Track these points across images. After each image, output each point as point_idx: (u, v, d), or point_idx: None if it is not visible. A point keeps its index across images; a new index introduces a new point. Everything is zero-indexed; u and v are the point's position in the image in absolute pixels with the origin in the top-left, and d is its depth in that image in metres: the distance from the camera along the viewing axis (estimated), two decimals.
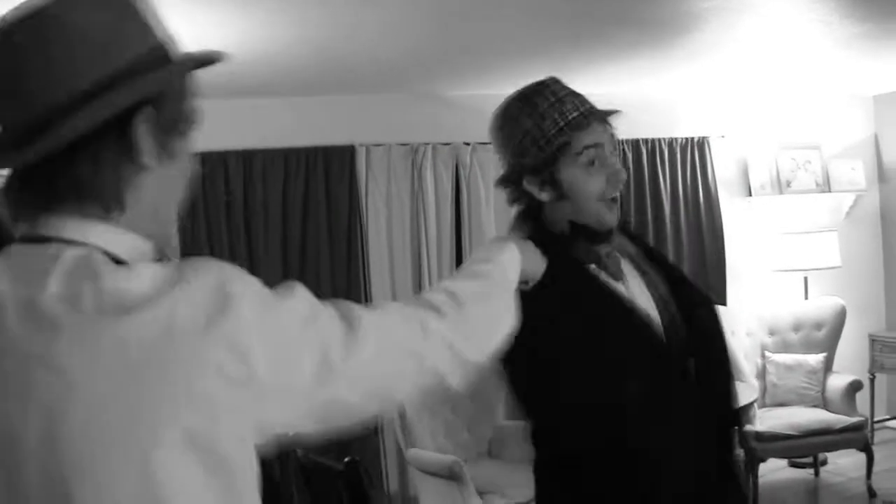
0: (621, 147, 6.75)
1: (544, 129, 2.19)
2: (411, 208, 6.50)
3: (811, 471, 7.10)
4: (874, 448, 7.15)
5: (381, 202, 6.41)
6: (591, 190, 2.20)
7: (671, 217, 6.97)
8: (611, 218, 2.23)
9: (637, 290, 2.28)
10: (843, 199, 7.61)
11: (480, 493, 5.39)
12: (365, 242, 6.43)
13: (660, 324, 2.25)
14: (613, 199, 2.22)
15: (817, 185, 7.45)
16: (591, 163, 2.19)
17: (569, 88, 2.24)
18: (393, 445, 6.19)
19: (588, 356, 2.14)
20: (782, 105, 7.37)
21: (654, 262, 2.39)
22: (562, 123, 2.18)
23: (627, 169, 6.68)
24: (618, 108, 2.28)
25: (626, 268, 2.30)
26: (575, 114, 2.19)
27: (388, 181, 6.42)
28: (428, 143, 6.46)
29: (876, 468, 6.57)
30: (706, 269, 7.14)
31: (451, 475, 5.21)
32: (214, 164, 6.00)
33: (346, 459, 3.23)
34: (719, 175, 7.15)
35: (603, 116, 2.23)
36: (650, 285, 2.31)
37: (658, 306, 2.27)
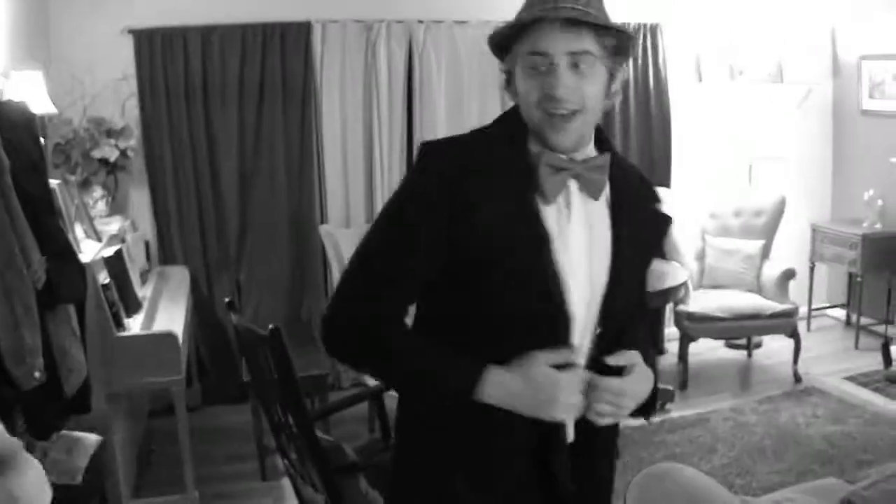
0: None
1: (512, 20, 2.09)
2: (364, 85, 6.59)
3: (745, 352, 7.38)
4: (810, 334, 7.43)
5: (335, 78, 6.51)
6: (529, 99, 2.08)
7: (620, 100, 7.05)
8: (554, 136, 2.07)
9: (576, 231, 2.14)
10: (795, 91, 7.65)
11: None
12: (318, 118, 6.56)
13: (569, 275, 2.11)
14: (562, 117, 2.04)
15: (770, 75, 7.51)
16: (533, 70, 2.05)
17: None
18: None
19: (482, 266, 2.07)
20: None
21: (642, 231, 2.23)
22: (520, 19, 2.06)
23: None
24: (610, 24, 2.04)
25: (584, 206, 2.14)
26: (536, 12, 2.03)
27: (343, 57, 6.51)
28: (382, 21, 6.52)
29: (807, 354, 6.89)
30: (652, 151, 7.27)
31: None
32: (174, 38, 6.13)
33: (270, 327, 3.42)
34: (671, 61, 7.22)
35: (572, 22, 2.00)
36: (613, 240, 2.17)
37: (590, 261, 2.14)
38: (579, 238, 2.13)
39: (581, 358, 2.15)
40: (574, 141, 2.09)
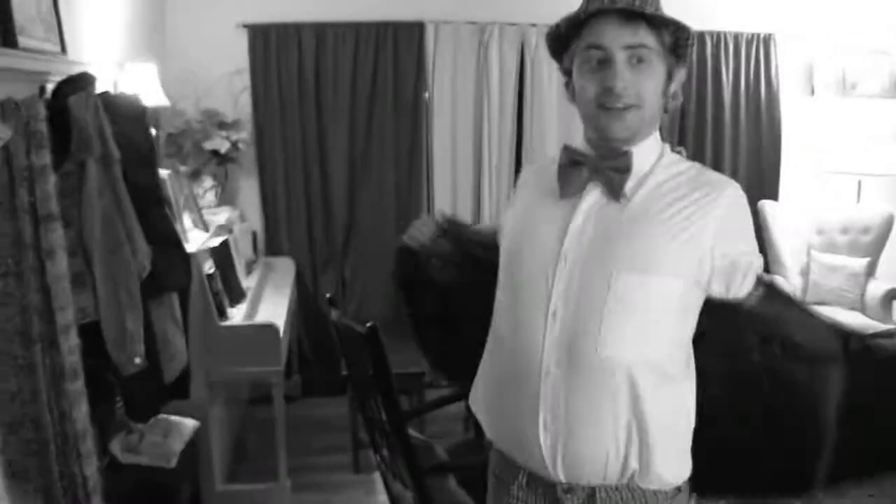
0: None
1: (570, 15, 2.08)
2: (475, 86, 6.61)
3: None
4: None
5: (446, 79, 6.53)
6: (587, 95, 2.08)
7: (731, 110, 6.97)
8: (609, 125, 2.06)
9: (578, 223, 2.11)
10: None
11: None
12: (429, 117, 6.59)
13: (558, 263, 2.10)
14: (618, 110, 2.04)
15: (883, 90, 7.36)
16: (590, 64, 2.06)
17: None
18: None
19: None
20: (852, 6, 7.18)
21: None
22: (577, 14, 2.06)
23: (690, 64, 6.75)
24: (667, 17, 2.04)
25: (599, 203, 2.11)
26: (593, 7, 2.03)
27: (455, 59, 6.53)
28: (495, 23, 6.52)
29: None
30: (761, 164, 7.15)
31: None
32: (288, 35, 6.23)
33: (367, 325, 3.46)
34: (783, 73, 7.09)
35: (629, 16, 2.01)
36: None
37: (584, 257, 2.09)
38: (578, 231, 2.10)
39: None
40: (630, 132, 2.08)
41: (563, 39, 2.13)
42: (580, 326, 2.04)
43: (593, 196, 2.12)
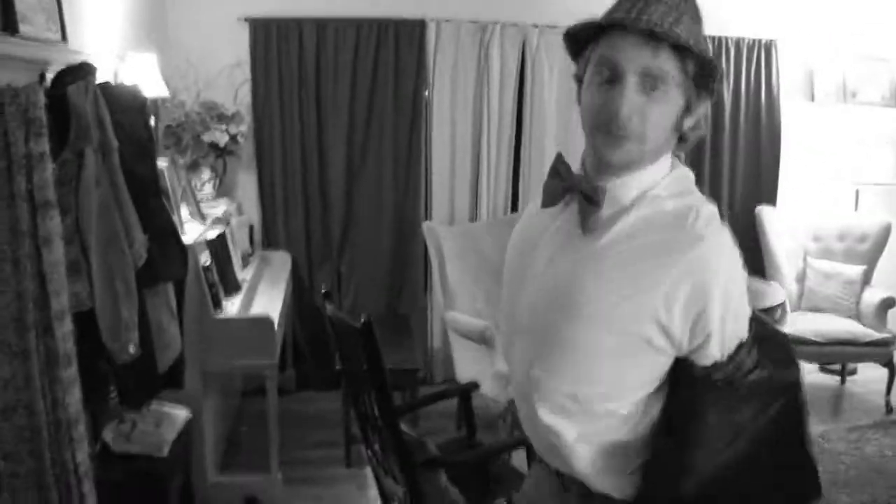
0: None
1: (590, 20, 1.90)
2: (476, 85, 6.62)
3: (839, 378, 7.28)
4: None
5: (447, 77, 6.55)
6: (590, 110, 1.91)
7: (731, 115, 7.00)
8: (604, 148, 1.89)
9: (548, 242, 2.03)
10: None
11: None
12: (429, 114, 6.61)
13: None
14: (617, 137, 1.85)
15: (883, 98, 7.38)
16: (600, 79, 1.87)
17: None
18: (439, 305, 6.42)
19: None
20: (854, 13, 7.23)
21: None
22: (600, 20, 1.88)
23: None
24: (682, 40, 1.80)
25: (572, 226, 1.98)
26: (616, 16, 1.84)
27: (456, 57, 6.54)
28: (497, 22, 6.54)
29: None
30: (760, 169, 7.18)
31: (482, 339, 5.45)
32: (289, 30, 6.23)
33: (362, 319, 3.48)
34: (783, 79, 7.12)
35: (649, 37, 1.81)
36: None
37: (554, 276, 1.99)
38: (546, 251, 2.03)
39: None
40: (626, 161, 1.89)
41: (580, 42, 1.95)
42: (531, 346, 2.04)
43: (569, 213, 2.00)
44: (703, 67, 1.86)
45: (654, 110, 1.84)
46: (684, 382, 1.95)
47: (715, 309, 1.85)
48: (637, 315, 1.86)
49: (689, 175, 2.02)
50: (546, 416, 2.03)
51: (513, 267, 2.14)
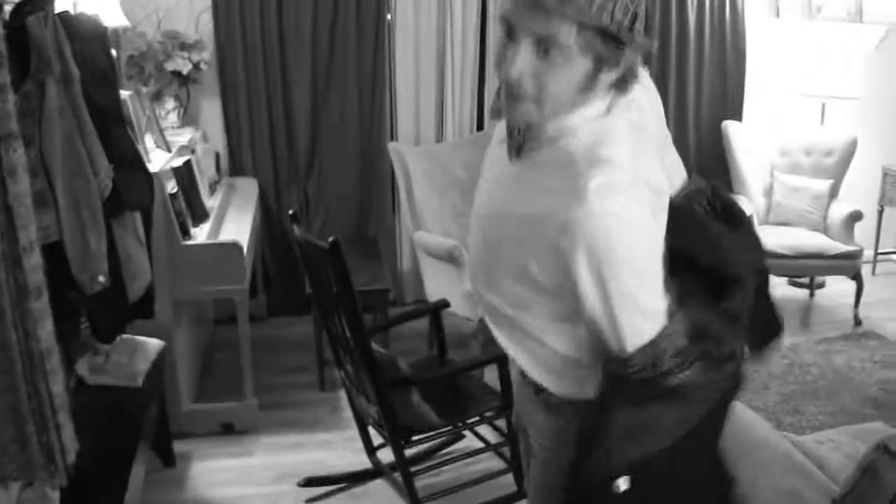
0: None
1: None
2: (438, 7, 6.59)
3: (808, 291, 7.36)
4: (874, 278, 7.37)
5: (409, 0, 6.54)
6: (495, 67, 1.93)
7: (696, 32, 6.98)
8: (508, 112, 1.89)
9: (500, 178, 2.05)
10: (874, 32, 7.46)
11: None
12: (392, 35, 6.57)
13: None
14: (512, 94, 1.83)
15: (848, 13, 7.37)
16: (499, 35, 1.85)
17: None
18: (407, 226, 6.44)
19: None
20: None
21: None
22: None
23: None
24: (569, 15, 1.70)
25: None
26: None
27: None
28: None
29: (869, 298, 6.84)
30: (726, 84, 7.19)
31: (451, 258, 5.47)
32: None
33: (329, 239, 3.50)
34: None
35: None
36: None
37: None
38: (492, 183, 2.08)
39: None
40: (523, 120, 1.87)
41: None
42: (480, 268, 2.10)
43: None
44: (606, 33, 1.74)
45: (551, 74, 1.78)
46: (602, 373, 1.92)
47: (582, 276, 1.79)
48: (524, 250, 1.89)
49: (616, 128, 1.87)
50: (495, 332, 2.13)
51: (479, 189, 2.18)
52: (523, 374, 2.20)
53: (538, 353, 2.05)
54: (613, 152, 1.81)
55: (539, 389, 2.16)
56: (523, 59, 1.76)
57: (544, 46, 1.74)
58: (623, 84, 1.85)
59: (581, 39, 1.72)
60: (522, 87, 1.79)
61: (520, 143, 1.93)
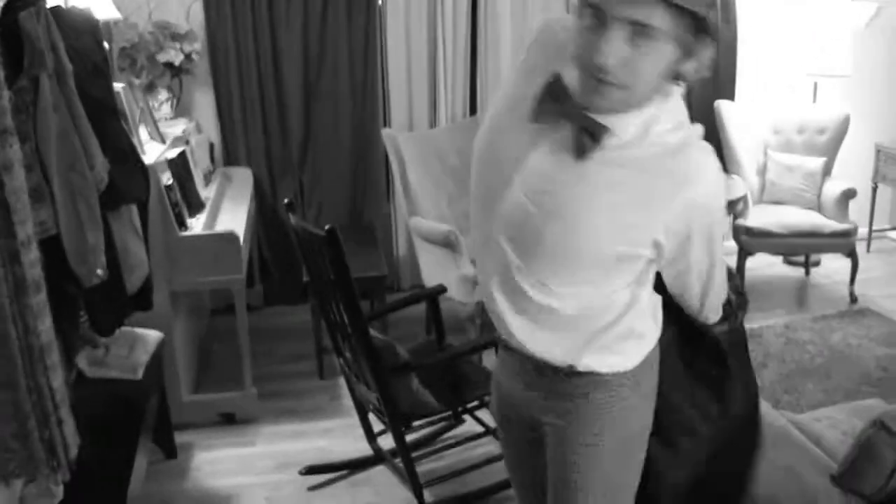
0: None
1: None
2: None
3: (803, 270, 7.38)
4: (869, 256, 7.39)
5: None
6: (574, 52, 1.84)
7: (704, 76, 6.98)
8: (587, 95, 1.85)
9: (542, 157, 2.00)
10: (865, 8, 7.46)
11: (474, 262, 5.67)
12: (383, 21, 6.56)
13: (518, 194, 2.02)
14: (604, 83, 1.80)
15: None
16: (585, 22, 1.80)
17: None
18: (403, 212, 6.44)
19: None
20: None
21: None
22: None
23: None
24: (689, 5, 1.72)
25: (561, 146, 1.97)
26: None
27: None
28: None
29: (865, 276, 6.88)
30: (717, 64, 7.16)
31: (446, 243, 5.48)
32: None
33: (326, 227, 3.51)
34: None
35: None
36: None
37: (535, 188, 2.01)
38: (537, 169, 2.01)
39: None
40: (610, 109, 1.87)
41: None
42: (512, 259, 2.08)
43: (562, 135, 1.96)
44: (698, 20, 1.78)
45: (644, 63, 1.79)
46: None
47: (697, 248, 2.05)
48: (640, 236, 1.97)
49: (681, 104, 2.03)
50: (497, 294, 2.16)
51: (487, 180, 2.12)
52: (539, 371, 2.26)
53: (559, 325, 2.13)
54: (690, 127, 2.02)
55: (569, 374, 2.20)
56: (615, 45, 1.75)
57: (637, 32, 1.74)
58: (697, 75, 1.92)
59: (671, 25, 1.74)
60: (614, 73, 1.78)
61: (590, 146, 1.92)
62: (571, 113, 1.90)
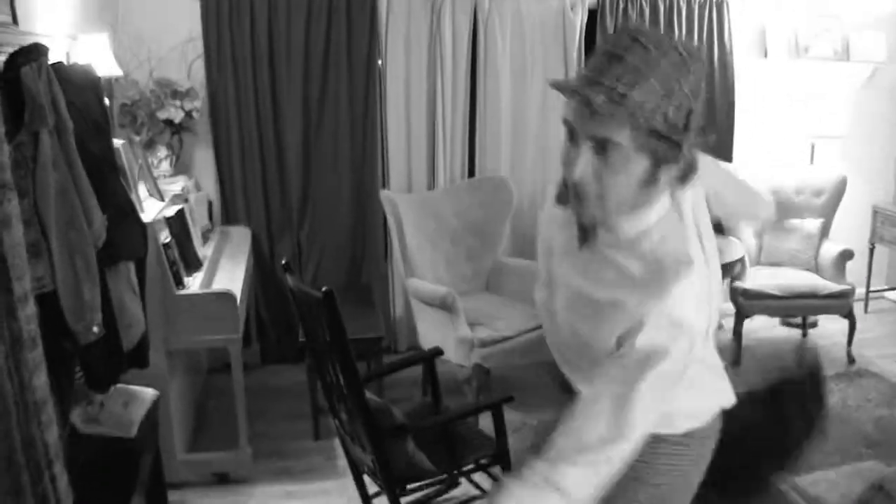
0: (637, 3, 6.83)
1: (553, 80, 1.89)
2: (429, 52, 6.60)
3: (801, 331, 7.36)
4: (866, 317, 7.38)
5: (399, 45, 6.53)
6: (561, 165, 1.96)
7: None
8: (576, 210, 2.00)
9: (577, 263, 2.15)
10: (861, 70, 7.55)
11: (471, 325, 5.67)
12: (383, 83, 6.59)
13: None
14: (576, 193, 1.93)
15: (835, 53, 7.43)
16: (565, 136, 1.92)
17: (615, 49, 1.81)
18: (400, 273, 6.43)
19: None
20: None
21: None
22: (552, 81, 1.88)
23: (642, 21, 6.77)
24: (617, 116, 1.77)
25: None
26: (569, 79, 1.91)
27: (408, 24, 6.52)
28: None
29: (862, 336, 6.87)
30: (716, 126, 7.20)
31: (444, 305, 5.48)
32: (241, 3, 6.16)
33: (323, 289, 3.51)
34: (736, 37, 7.14)
35: (569, 91, 1.83)
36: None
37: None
38: (568, 266, 2.19)
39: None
40: (590, 219, 2.01)
41: None
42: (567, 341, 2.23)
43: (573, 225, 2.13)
44: (661, 135, 1.83)
45: (611, 175, 1.87)
46: None
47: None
48: (612, 328, 1.98)
49: (673, 218, 2.03)
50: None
51: (544, 252, 2.32)
52: None
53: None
54: (691, 251, 1.97)
55: None
56: (584, 160, 1.85)
57: (603, 148, 1.83)
58: (684, 178, 1.95)
59: (636, 141, 1.80)
60: (585, 187, 1.88)
61: (590, 237, 2.08)
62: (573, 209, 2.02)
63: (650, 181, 1.89)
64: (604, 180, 1.86)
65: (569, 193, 1.95)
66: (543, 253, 2.30)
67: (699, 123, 1.89)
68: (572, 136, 1.88)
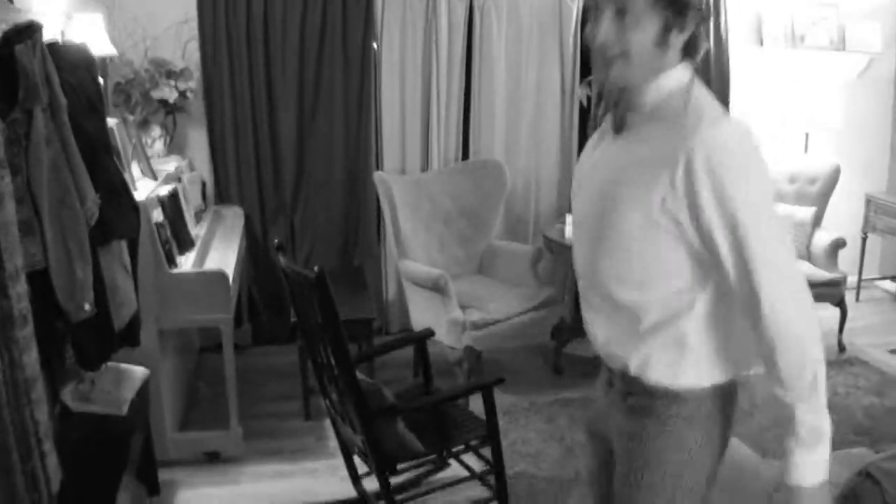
0: None
1: None
2: (424, 37, 6.61)
3: None
4: (858, 305, 7.39)
5: (395, 29, 6.54)
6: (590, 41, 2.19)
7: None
8: (603, 76, 2.17)
9: (591, 159, 2.35)
10: (857, 60, 7.56)
11: (463, 307, 5.68)
12: (378, 66, 6.59)
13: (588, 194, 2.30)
14: (603, 57, 2.13)
15: (831, 42, 7.44)
16: (593, 12, 2.18)
17: None
18: (393, 255, 6.44)
19: None
20: None
21: None
22: None
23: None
24: None
25: (611, 138, 2.29)
26: None
27: (403, 9, 6.52)
28: None
29: (853, 325, 6.87)
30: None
31: (436, 287, 5.49)
32: None
33: (315, 269, 3.51)
34: (732, 24, 7.13)
35: None
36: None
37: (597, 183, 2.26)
38: (590, 167, 2.34)
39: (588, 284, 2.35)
40: (621, 82, 2.15)
41: None
42: (585, 255, 2.33)
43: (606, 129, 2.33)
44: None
45: (627, 34, 2.07)
46: None
47: (703, 187, 1.99)
48: (651, 197, 2.07)
49: (706, 102, 2.12)
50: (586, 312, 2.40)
51: (575, 178, 2.45)
52: (611, 383, 2.42)
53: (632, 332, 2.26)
54: (718, 110, 2.10)
55: (626, 394, 2.33)
56: (606, 25, 2.09)
57: (621, 13, 2.06)
58: (692, 49, 2.15)
59: (648, 4, 2.04)
60: (610, 49, 2.10)
61: (622, 115, 2.23)
62: (609, 97, 2.27)
63: (662, 42, 2.08)
64: (624, 36, 2.07)
65: (598, 63, 2.15)
66: (576, 176, 2.45)
67: (699, 4, 2.08)
68: (597, 13, 2.12)
